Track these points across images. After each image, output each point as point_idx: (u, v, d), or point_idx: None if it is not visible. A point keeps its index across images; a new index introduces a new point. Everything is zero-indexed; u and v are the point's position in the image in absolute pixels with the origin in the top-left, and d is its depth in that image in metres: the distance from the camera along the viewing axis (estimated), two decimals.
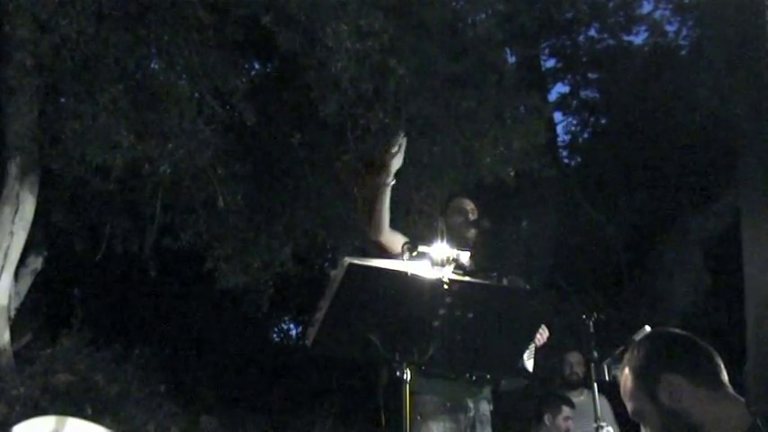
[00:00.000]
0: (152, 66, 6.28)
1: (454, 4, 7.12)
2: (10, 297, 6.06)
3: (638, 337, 2.30)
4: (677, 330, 1.79)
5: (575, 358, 4.93)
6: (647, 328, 2.54)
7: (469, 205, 3.17)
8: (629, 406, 1.73)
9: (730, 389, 1.65)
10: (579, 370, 4.86)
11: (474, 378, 2.85)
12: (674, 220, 10.37)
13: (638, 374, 1.71)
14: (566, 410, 4.36)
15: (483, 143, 6.60)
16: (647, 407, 1.68)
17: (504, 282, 2.82)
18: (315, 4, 5.62)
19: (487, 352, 2.16)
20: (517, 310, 2.12)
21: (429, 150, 6.50)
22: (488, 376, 2.86)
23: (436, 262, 2.00)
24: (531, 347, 2.89)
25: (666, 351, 1.71)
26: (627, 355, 1.77)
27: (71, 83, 5.59)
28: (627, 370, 1.75)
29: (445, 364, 2.37)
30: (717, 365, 1.68)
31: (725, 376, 1.67)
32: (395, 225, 2.94)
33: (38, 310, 7.51)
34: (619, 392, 1.79)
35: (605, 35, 12.34)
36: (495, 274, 2.58)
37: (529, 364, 2.87)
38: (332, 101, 5.92)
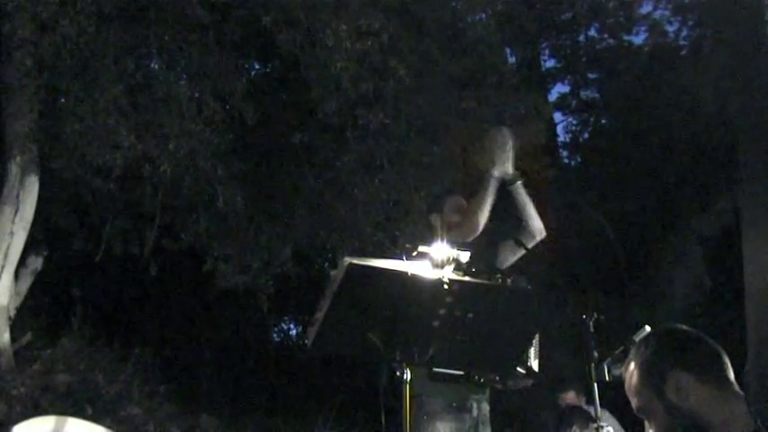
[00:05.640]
0: (152, 66, 6.29)
1: (454, 4, 7.12)
2: (10, 297, 6.06)
3: (638, 337, 2.29)
4: (685, 328, 1.76)
5: (569, 398, 4.96)
6: (647, 328, 2.53)
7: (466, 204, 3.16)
8: (634, 402, 1.72)
9: (737, 387, 1.64)
10: (578, 402, 4.89)
11: (480, 379, 2.85)
12: (674, 220, 10.37)
13: (645, 371, 1.69)
14: (591, 426, 4.41)
15: None
16: (653, 404, 1.67)
17: (508, 282, 2.81)
18: (315, 4, 5.63)
19: (487, 352, 2.15)
20: (517, 310, 2.12)
21: (429, 150, 6.49)
22: (495, 377, 2.85)
23: (436, 262, 1.99)
24: (536, 346, 2.89)
25: (674, 348, 1.70)
26: (633, 351, 1.75)
27: (71, 83, 5.59)
28: (633, 366, 1.73)
29: (445, 364, 2.36)
30: (724, 364, 1.67)
31: (732, 375, 1.66)
32: (395, 225, 2.93)
33: (38, 310, 7.50)
34: (616, 393, 1.78)
35: (605, 35, 12.33)
36: (498, 273, 2.57)
37: (535, 363, 2.87)
38: (332, 101, 5.92)
